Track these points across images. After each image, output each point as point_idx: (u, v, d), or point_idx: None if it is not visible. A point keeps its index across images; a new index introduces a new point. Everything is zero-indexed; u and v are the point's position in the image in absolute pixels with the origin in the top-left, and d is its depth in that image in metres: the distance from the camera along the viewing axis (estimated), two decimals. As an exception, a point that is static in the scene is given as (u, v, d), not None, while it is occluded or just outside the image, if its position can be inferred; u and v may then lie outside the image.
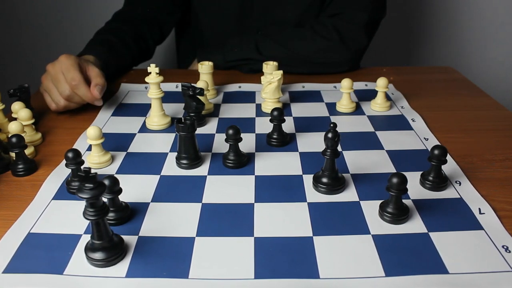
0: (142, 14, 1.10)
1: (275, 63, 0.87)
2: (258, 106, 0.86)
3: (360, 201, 0.57)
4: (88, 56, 0.89)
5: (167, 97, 0.83)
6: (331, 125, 0.57)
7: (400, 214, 0.53)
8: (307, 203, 0.57)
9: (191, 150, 0.65)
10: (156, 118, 0.77)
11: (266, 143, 0.72)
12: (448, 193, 0.59)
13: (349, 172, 0.64)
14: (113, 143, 0.72)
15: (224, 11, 1.10)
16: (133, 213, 0.55)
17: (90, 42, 1.00)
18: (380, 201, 0.55)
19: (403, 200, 0.54)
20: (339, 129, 0.59)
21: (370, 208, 0.56)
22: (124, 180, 0.58)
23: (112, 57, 0.96)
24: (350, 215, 0.55)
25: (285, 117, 0.71)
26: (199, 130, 0.77)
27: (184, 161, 0.65)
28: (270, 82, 0.81)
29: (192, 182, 0.62)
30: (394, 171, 0.64)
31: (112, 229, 0.49)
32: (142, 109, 0.85)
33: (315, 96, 0.91)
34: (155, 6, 1.12)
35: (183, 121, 0.63)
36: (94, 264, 0.47)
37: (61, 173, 0.64)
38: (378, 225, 0.53)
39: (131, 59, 1.06)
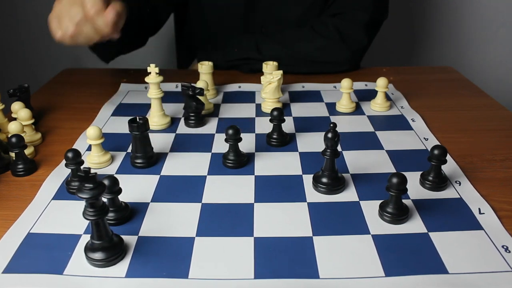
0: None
1: (275, 63, 0.87)
2: (258, 106, 0.86)
3: (360, 201, 0.57)
4: None
5: (167, 97, 0.83)
6: (331, 125, 0.57)
7: (400, 214, 0.53)
8: (307, 203, 0.57)
9: (145, 149, 0.65)
10: (156, 118, 0.77)
11: (266, 143, 0.72)
12: (448, 193, 0.59)
13: (349, 172, 0.64)
14: (113, 143, 0.72)
15: (229, 8, 1.10)
16: (133, 213, 0.55)
17: None
18: (380, 201, 0.55)
19: (403, 200, 0.54)
20: (339, 129, 0.59)
21: (370, 208, 0.56)
22: (124, 180, 0.58)
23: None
24: (350, 215, 0.55)
25: (285, 117, 0.71)
26: (199, 130, 0.77)
27: (139, 161, 0.65)
28: (270, 82, 0.81)
29: (192, 182, 0.62)
30: (394, 171, 0.64)
31: (112, 229, 0.49)
32: (142, 109, 0.85)
33: (315, 96, 0.91)
34: None
35: (137, 120, 0.63)
36: (94, 264, 0.47)
37: (61, 173, 0.64)
38: (378, 225, 0.53)
39: (133, 35, 0.99)
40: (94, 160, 0.65)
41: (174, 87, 0.95)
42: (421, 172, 0.62)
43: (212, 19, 1.13)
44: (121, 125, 0.79)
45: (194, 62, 1.16)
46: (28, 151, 0.67)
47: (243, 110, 0.85)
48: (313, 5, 1.05)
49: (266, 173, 0.64)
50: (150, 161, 0.66)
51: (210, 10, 1.12)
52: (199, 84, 0.81)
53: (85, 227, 0.53)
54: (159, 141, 0.73)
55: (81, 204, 0.51)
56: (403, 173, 0.52)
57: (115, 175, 0.56)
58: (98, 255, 0.46)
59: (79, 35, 0.70)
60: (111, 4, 0.69)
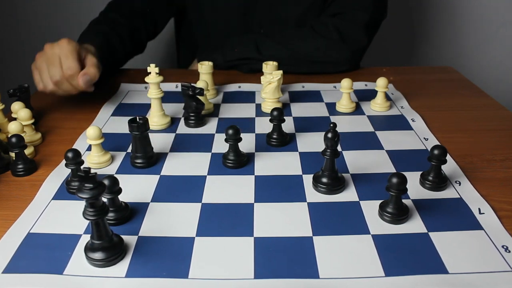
0: (138, 6, 1.08)
1: (275, 63, 0.87)
2: (258, 106, 0.86)
3: (360, 201, 0.57)
4: (88, 45, 0.87)
5: (167, 97, 0.83)
6: (331, 125, 0.57)
7: (399, 214, 0.53)
8: (307, 203, 0.57)
9: (145, 149, 0.65)
10: (156, 118, 0.77)
11: (266, 143, 0.72)
12: (448, 193, 0.59)
13: (349, 172, 0.64)
14: (113, 143, 0.72)
15: (228, 6, 1.10)
16: (133, 213, 0.55)
17: (85, 32, 0.97)
18: (380, 201, 0.55)
19: (403, 200, 0.54)
20: (339, 129, 0.59)
21: (370, 208, 0.56)
22: (124, 180, 0.58)
23: (107, 49, 0.94)
24: (350, 215, 0.55)
25: (285, 117, 0.71)
26: (199, 130, 0.77)
27: (139, 161, 0.65)
28: (270, 82, 0.81)
29: (192, 182, 0.62)
30: (394, 171, 0.64)
31: (112, 229, 0.49)
32: (142, 109, 0.85)
33: (315, 96, 0.91)
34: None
35: (137, 120, 0.63)
36: (94, 264, 0.47)
37: (61, 173, 0.64)
38: (378, 225, 0.53)
39: (124, 53, 1.04)
40: (94, 160, 0.65)
41: (174, 87, 0.95)
42: (421, 172, 0.62)
43: (211, 20, 1.13)
44: (121, 125, 0.79)
45: (194, 62, 1.16)
46: (28, 151, 0.67)
47: (243, 110, 0.85)
48: (312, 5, 1.05)
49: (266, 173, 0.64)
50: (150, 161, 0.66)
51: (209, 11, 1.12)
52: (199, 84, 0.81)
53: (85, 227, 0.53)
54: (159, 141, 0.73)
55: (81, 204, 0.51)
56: (403, 173, 0.52)
57: (115, 175, 0.56)
58: (98, 255, 0.46)
59: (58, 90, 0.79)
60: (86, 68, 0.77)
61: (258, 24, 1.08)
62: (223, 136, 0.66)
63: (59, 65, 0.76)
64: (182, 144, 0.72)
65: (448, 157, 0.63)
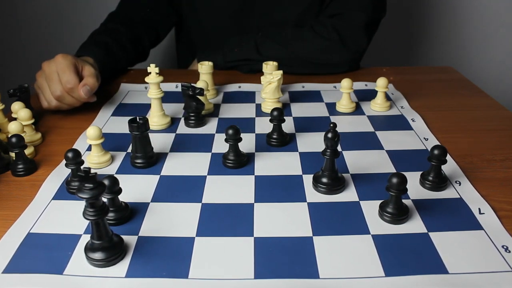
0: (139, 15, 1.10)
1: (275, 63, 0.87)
2: (258, 106, 0.86)
3: (360, 201, 0.57)
4: (86, 57, 0.89)
5: (167, 97, 0.83)
6: (331, 125, 0.57)
7: (400, 214, 0.53)
8: (307, 203, 0.57)
9: (145, 149, 0.65)
10: (156, 118, 0.77)
11: (266, 143, 0.72)
12: (448, 193, 0.59)
13: (349, 172, 0.64)
14: (113, 143, 0.72)
15: (225, 10, 1.10)
16: (133, 213, 0.55)
17: (86, 43, 0.98)
18: (380, 201, 0.55)
19: (403, 200, 0.54)
20: (339, 129, 0.59)
21: (370, 208, 0.56)
22: (124, 180, 0.58)
23: (109, 59, 0.95)
24: (350, 215, 0.55)
25: (285, 117, 0.71)
26: (199, 130, 0.77)
27: (139, 161, 0.65)
28: (270, 82, 0.81)
29: (192, 182, 0.62)
30: (394, 171, 0.64)
31: (112, 229, 0.49)
32: (142, 109, 0.85)
33: (315, 96, 0.91)
34: (152, 7, 1.11)
35: (137, 120, 0.63)
36: (94, 264, 0.47)
37: (61, 173, 0.64)
38: (378, 225, 0.53)
39: (127, 62, 1.06)
40: (94, 160, 0.65)
41: (174, 87, 0.95)
42: (421, 172, 0.62)
43: (209, 26, 1.14)
44: (121, 125, 0.79)
45: (194, 62, 1.16)
46: (28, 151, 0.67)
47: (243, 110, 0.85)
48: (310, 7, 1.05)
49: (266, 173, 0.64)
50: (150, 161, 0.66)
51: (206, 17, 1.13)
52: (199, 84, 0.80)
53: (85, 227, 0.53)
54: (159, 141, 0.73)
55: (81, 204, 0.51)
56: (403, 173, 0.52)
57: (115, 175, 0.56)
58: (98, 255, 0.46)
59: (62, 105, 0.80)
60: (84, 79, 0.79)
61: (257, 27, 1.08)
62: (223, 136, 0.66)
63: (58, 80, 0.77)
64: (182, 144, 0.72)
65: (448, 157, 0.63)
